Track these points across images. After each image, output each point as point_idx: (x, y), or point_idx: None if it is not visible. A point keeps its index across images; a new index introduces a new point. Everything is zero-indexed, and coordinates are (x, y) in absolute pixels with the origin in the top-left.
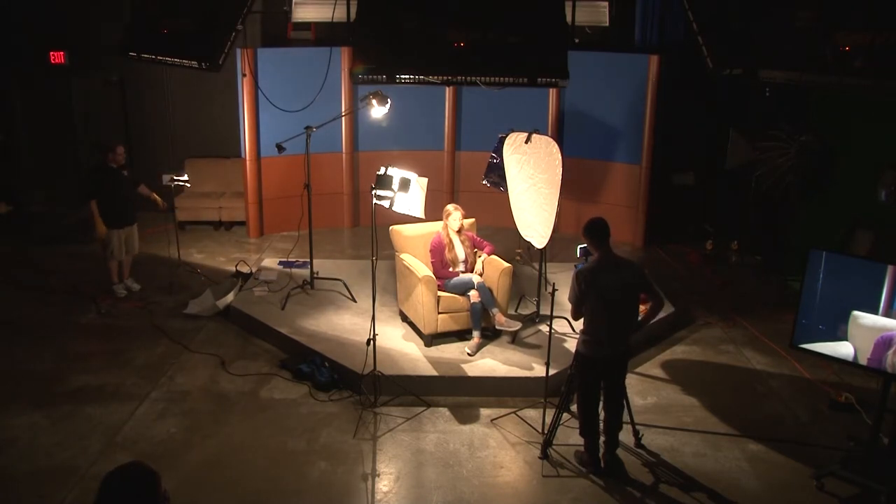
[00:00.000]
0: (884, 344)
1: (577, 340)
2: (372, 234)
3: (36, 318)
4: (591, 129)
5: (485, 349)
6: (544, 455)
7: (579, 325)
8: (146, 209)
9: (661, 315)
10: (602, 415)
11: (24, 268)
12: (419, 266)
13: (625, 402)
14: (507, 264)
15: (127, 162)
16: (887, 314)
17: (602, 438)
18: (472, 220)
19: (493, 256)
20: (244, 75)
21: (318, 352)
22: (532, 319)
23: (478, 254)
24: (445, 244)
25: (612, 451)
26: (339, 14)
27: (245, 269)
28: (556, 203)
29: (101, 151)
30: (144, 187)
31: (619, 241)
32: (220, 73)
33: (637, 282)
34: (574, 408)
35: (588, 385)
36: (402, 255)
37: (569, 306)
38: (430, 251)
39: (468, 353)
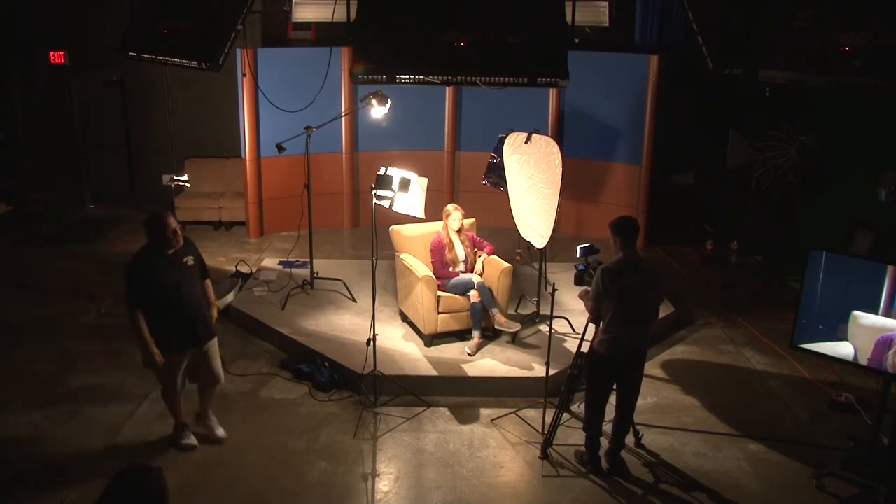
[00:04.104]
0: (884, 344)
1: (594, 339)
2: (372, 234)
3: (36, 318)
4: (591, 129)
5: (485, 349)
6: (544, 455)
7: (580, 324)
8: (147, 208)
9: (661, 315)
10: (611, 415)
11: (24, 268)
12: (419, 266)
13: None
14: (507, 264)
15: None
16: (887, 314)
17: (608, 438)
18: (472, 220)
19: (493, 256)
20: (244, 75)
21: (318, 352)
22: (532, 319)
23: (478, 254)
24: (445, 244)
25: (617, 451)
26: (339, 14)
27: (245, 269)
28: (557, 203)
29: (144, 229)
30: (210, 285)
31: None
32: (220, 73)
33: (657, 284)
34: (574, 408)
35: (601, 384)
36: (402, 255)
37: (570, 305)
38: (430, 251)
39: (468, 353)
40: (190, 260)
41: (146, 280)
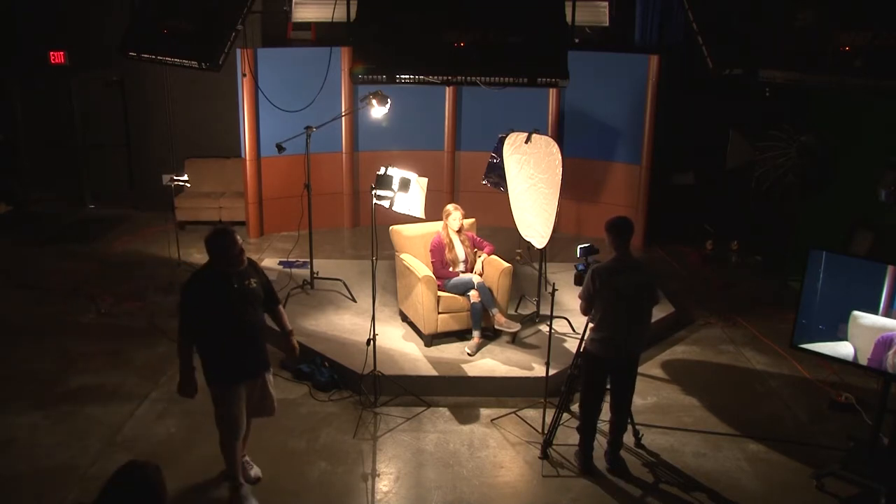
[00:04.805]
0: (884, 344)
1: (586, 339)
2: (372, 234)
3: (36, 318)
4: (591, 129)
5: (485, 349)
6: (544, 455)
7: (580, 324)
8: (147, 208)
9: (661, 315)
10: (607, 415)
11: (24, 268)
12: (419, 266)
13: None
14: (507, 264)
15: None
16: (887, 314)
17: (607, 438)
18: (472, 220)
19: (493, 256)
20: (244, 75)
21: (319, 352)
22: (532, 319)
23: (478, 254)
24: (445, 244)
25: (616, 451)
26: (339, 14)
27: None
28: (557, 203)
29: (207, 246)
30: (283, 312)
31: None
32: (220, 73)
33: (652, 286)
34: (574, 408)
35: (594, 384)
36: (402, 255)
37: (570, 305)
38: (430, 251)
39: (468, 353)
40: (253, 282)
41: (205, 303)
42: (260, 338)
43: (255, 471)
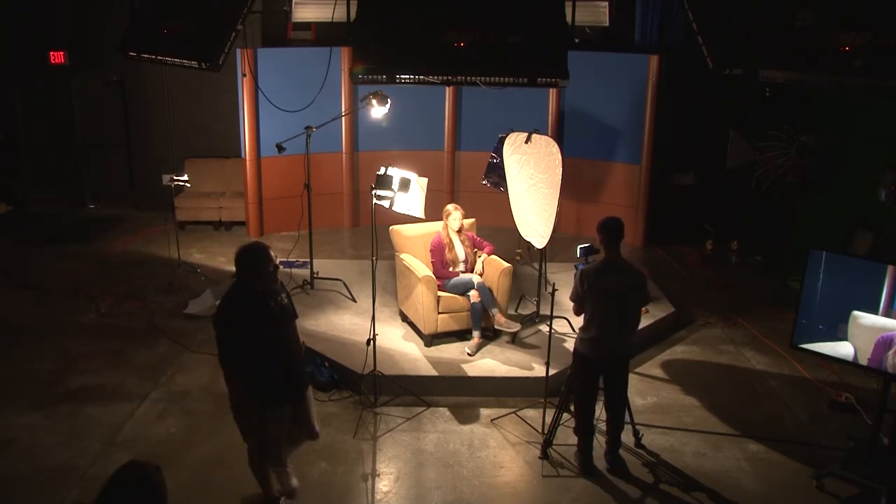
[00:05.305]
0: (884, 344)
1: (576, 339)
2: (372, 234)
3: (36, 318)
4: (591, 129)
5: (485, 349)
6: (544, 455)
7: (579, 324)
8: (147, 208)
9: (661, 315)
10: (604, 415)
11: (23, 268)
12: (419, 266)
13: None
14: (507, 264)
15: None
16: (887, 314)
17: (605, 438)
18: (472, 220)
19: (493, 256)
20: (244, 75)
21: (319, 352)
22: (532, 319)
23: (478, 254)
24: (445, 244)
25: (615, 450)
26: (339, 14)
27: None
28: (557, 203)
29: (238, 262)
30: (296, 327)
31: None
32: (220, 73)
33: (642, 287)
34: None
35: (587, 384)
36: (402, 255)
37: (570, 305)
38: (430, 251)
39: (468, 353)
40: (284, 298)
41: (244, 324)
42: (298, 354)
43: (294, 481)
